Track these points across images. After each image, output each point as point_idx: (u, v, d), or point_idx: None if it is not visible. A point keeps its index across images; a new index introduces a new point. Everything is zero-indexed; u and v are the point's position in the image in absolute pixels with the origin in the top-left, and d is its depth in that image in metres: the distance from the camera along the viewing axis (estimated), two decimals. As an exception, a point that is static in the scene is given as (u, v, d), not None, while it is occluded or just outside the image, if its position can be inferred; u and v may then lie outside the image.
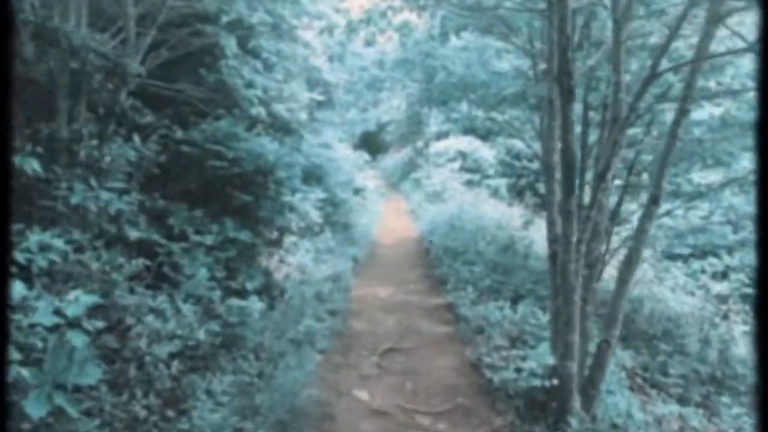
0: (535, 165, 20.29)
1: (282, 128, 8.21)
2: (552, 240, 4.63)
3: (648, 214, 4.21)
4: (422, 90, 11.29)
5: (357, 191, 14.37)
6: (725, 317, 7.29)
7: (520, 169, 20.38)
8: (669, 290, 8.46)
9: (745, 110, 5.69)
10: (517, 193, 20.22)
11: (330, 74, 9.99)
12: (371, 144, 31.30)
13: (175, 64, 6.24)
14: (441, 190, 16.65)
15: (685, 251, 11.19)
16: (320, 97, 8.69)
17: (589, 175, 5.23)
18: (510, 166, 20.92)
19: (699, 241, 11.28)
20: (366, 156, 16.90)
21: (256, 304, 4.88)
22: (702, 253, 11.07)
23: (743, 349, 6.62)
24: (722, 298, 8.08)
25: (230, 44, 6.03)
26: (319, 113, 12.15)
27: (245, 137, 6.06)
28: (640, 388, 5.90)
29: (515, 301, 7.69)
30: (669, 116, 5.69)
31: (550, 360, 4.24)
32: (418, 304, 7.42)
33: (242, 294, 5.26)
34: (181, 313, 4.39)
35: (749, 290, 8.53)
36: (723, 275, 10.15)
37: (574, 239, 4.00)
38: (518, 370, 4.67)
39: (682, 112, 4.09)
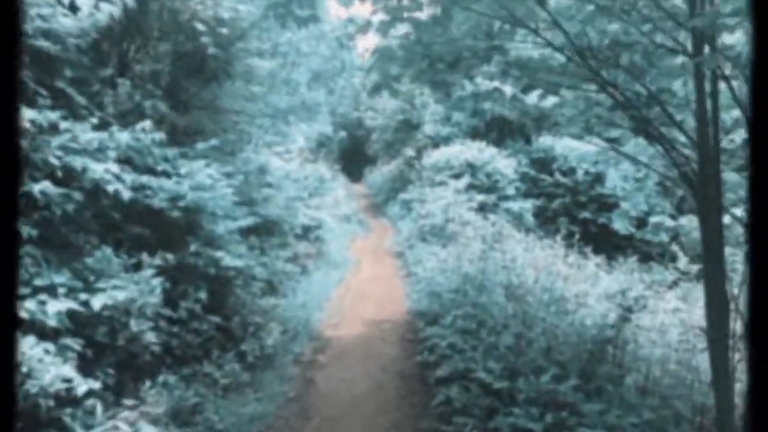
0: (568, 180, 14.61)
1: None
2: None
3: None
4: (411, 43, 5.24)
5: (306, 231, 8.58)
6: None
7: (551, 186, 14.68)
8: None
9: None
10: (546, 219, 14.54)
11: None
12: (356, 154, 25.71)
13: None
14: (443, 223, 10.91)
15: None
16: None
17: None
18: (534, 182, 15.21)
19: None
20: (323, 169, 11.09)
21: None
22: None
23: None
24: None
25: None
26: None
27: None
28: None
29: None
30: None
31: None
32: None
33: None
34: None
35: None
36: None
37: None
38: None
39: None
